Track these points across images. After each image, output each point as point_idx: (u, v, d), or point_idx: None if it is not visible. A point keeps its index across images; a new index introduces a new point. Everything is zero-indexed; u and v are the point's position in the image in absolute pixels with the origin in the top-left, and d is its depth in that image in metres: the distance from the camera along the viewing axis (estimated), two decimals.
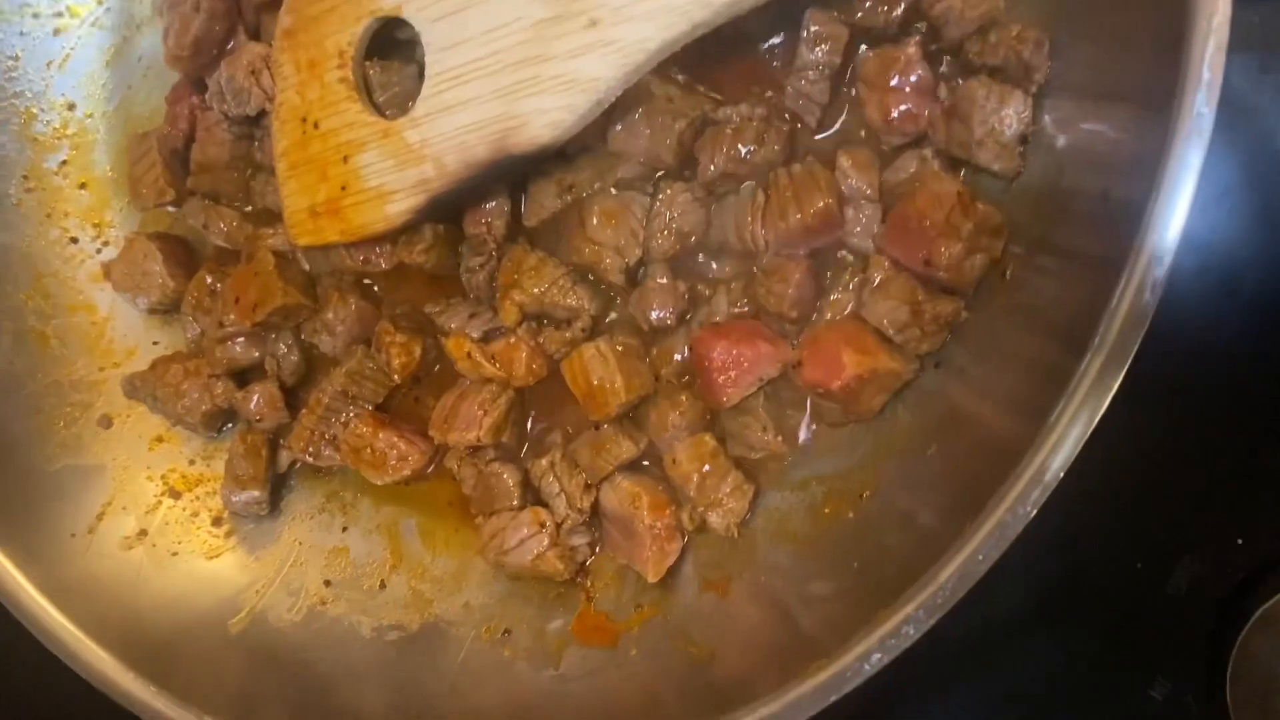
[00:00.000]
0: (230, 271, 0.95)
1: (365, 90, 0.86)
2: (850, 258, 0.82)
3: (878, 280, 0.78)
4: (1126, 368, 0.60)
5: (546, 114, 0.76)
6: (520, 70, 0.76)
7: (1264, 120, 0.75)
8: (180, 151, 0.96)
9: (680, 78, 0.84)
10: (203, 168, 0.95)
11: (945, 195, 0.74)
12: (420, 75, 0.83)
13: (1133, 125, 0.70)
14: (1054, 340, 0.71)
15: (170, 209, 1.00)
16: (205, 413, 0.96)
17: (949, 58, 0.78)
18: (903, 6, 0.77)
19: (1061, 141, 0.75)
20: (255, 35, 0.93)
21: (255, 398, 0.94)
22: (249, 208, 0.98)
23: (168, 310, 1.00)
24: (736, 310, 0.84)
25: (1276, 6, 0.73)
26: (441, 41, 0.80)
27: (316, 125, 0.87)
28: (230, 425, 1.00)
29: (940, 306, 0.76)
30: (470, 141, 0.80)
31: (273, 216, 0.95)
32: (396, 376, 0.90)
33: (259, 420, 0.94)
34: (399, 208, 0.84)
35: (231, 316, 0.92)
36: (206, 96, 0.93)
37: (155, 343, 1.02)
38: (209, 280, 0.96)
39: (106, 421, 0.99)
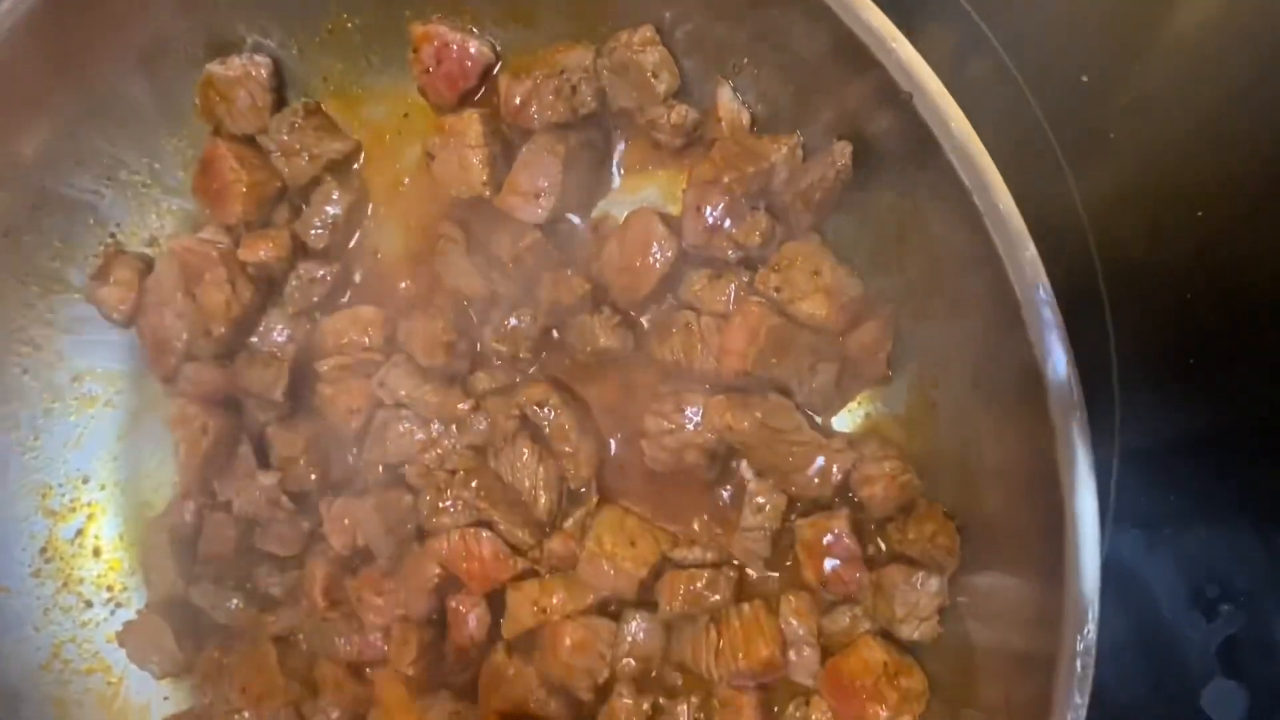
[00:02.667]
0: (235, 650, 1.04)
1: None
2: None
3: None
4: None
5: None
6: None
7: (1150, 589, 0.86)
8: (189, 540, 1.05)
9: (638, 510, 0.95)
10: (209, 558, 1.04)
11: (874, 664, 0.84)
12: None
13: (1034, 594, 0.80)
14: None
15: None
16: None
17: (874, 529, 0.89)
18: (833, 484, 0.87)
19: (974, 610, 0.85)
20: (260, 450, 1.02)
21: None
22: (251, 586, 1.07)
23: (178, 675, 1.09)
24: None
25: (1162, 494, 0.85)
26: None
27: None
28: None
29: None
30: None
31: (274, 602, 1.04)
32: None
33: None
34: None
35: (237, 699, 1.02)
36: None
37: (165, 698, 1.10)
38: (216, 655, 1.05)
39: None
